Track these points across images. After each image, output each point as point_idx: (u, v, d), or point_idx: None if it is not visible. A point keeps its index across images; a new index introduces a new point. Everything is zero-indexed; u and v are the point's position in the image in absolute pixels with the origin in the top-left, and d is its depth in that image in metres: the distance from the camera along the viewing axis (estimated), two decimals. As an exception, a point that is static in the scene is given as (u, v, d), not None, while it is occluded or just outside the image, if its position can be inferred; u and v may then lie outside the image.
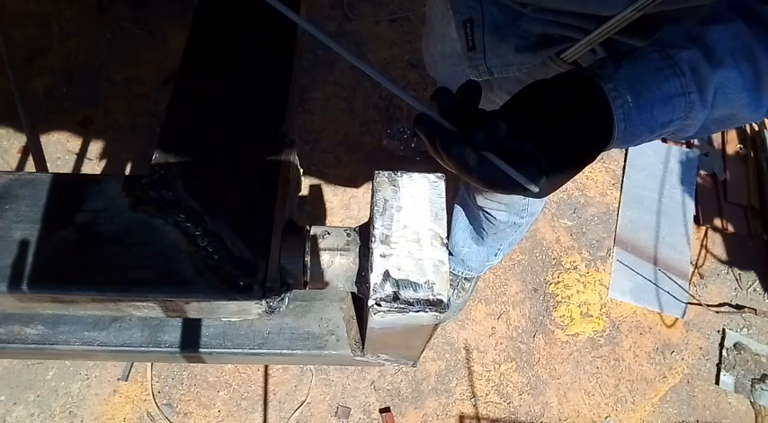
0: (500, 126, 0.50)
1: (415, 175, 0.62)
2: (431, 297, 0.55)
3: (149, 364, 1.63)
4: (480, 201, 1.32)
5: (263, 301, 0.62)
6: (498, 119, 0.51)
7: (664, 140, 2.15)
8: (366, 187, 1.98)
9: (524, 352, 1.76)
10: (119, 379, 1.63)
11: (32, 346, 0.77)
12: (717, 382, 1.76)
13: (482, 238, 1.49)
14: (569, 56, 0.79)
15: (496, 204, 1.30)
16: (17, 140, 1.97)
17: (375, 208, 0.60)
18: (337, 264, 0.67)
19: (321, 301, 0.83)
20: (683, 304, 1.87)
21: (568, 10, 0.72)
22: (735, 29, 0.54)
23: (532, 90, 0.54)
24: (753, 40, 0.53)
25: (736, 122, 0.59)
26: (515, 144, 0.50)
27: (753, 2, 0.55)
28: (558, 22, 0.75)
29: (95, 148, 1.98)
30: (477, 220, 1.43)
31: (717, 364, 1.79)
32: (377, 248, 0.57)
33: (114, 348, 0.78)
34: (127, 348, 0.78)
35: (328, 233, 0.68)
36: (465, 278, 1.74)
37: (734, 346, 1.81)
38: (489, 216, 1.35)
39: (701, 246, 1.98)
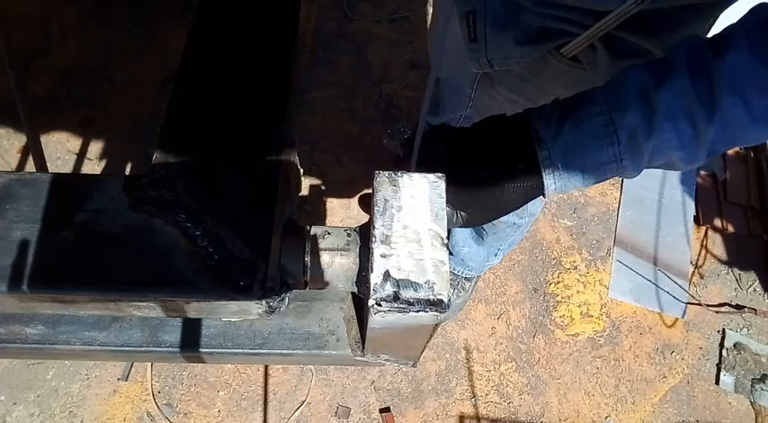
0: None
1: (415, 175, 0.62)
2: (431, 297, 0.55)
3: (149, 364, 1.63)
4: None
5: (264, 301, 0.62)
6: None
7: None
8: (366, 187, 1.98)
9: (524, 352, 1.76)
10: (119, 379, 1.63)
11: (32, 346, 0.77)
12: (717, 382, 1.76)
13: (482, 238, 1.49)
14: (568, 51, 0.79)
15: None
16: (17, 140, 1.97)
17: (375, 208, 0.60)
18: (337, 264, 0.67)
19: (321, 302, 0.83)
20: (683, 304, 1.87)
21: (566, 4, 0.73)
22: (680, 88, 0.58)
23: (478, 159, 0.64)
24: (695, 100, 0.57)
25: (674, 168, 0.64)
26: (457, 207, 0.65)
27: (708, 55, 0.58)
28: (557, 15, 0.75)
29: (95, 148, 1.98)
30: None
31: (717, 364, 1.79)
32: (377, 248, 0.57)
33: (114, 348, 0.78)
34: (127, 348, 0.78)
35: (328, 233, 0.68)
36: (465, 278, 1.74)
37: (734, 346, 1.81)
38: None
39: (701, 246, 1.98)
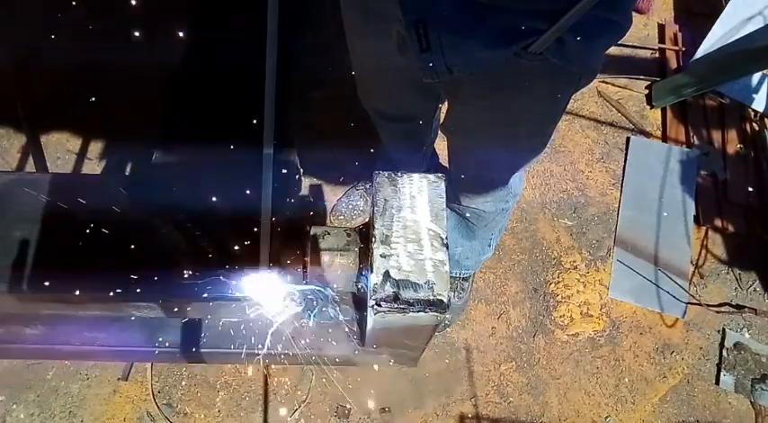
0: None
1: (415, 176, 0.62)
2: (431, 297, 0.55)
3: (149, 364, 1.63)
4: (465, 201, 1.32)
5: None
6: None
7: (664, 140, 2.15)
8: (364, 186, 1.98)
9: (524, 352, 1.76)
10: (119, 379, 1.63)
11: (32, 346, 0.77)
12: (717, 382, 1.76)
13: (473, 233, 1.48)
14: (537, 48, 0.76)
15: (482, 200, 1.30)
16: (17, 140, 1.97)
17: (375, 208, 0.60)
18: (337, 264, 0.67)
19: (321, 302, 0.83)
20: (684, 304, 1.86)
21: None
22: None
23: None
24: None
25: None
26: None
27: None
28: (532, 10, 0.71)
29: (95, 148, 1.98)
30: (464, 220, 1.43)
31: (717, 364, 1.79)
32: (377, 249, 0.57)
33: (114, 348, 0.78)
34: (127, 348, 0.78)
35: (328, 233, 0.68)
36: (463, 278, 1.74)
37: (734, 346, 1.81)
38: (478, 211, 1.35)
39: (701, 246, 1.98)
